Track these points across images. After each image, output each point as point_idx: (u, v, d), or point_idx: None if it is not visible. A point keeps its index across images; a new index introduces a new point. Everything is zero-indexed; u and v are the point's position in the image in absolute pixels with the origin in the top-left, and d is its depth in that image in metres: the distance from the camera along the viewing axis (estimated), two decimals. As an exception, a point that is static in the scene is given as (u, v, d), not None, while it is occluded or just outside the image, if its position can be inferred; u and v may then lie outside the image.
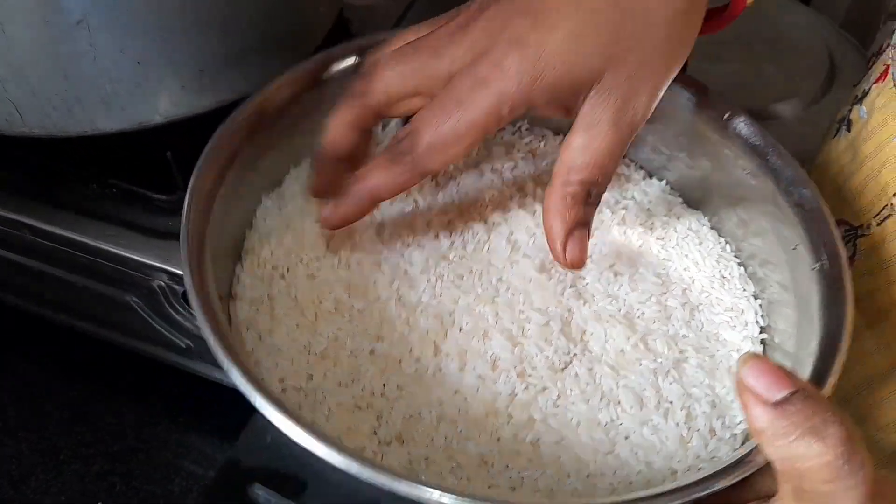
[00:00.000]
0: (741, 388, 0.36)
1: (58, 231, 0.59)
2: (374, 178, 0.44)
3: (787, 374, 0.35)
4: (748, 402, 0.36)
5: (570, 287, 0.48)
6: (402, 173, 0.43)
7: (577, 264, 0.43)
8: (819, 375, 0.42)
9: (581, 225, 0.43)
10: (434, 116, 0.42)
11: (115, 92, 0.55)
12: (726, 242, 0.53)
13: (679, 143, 0.53)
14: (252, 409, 0.35)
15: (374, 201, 0.45)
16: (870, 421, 0.55)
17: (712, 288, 0.50)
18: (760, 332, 0.49)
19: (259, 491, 0.35)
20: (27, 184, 0.60)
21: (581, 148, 0.43)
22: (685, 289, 0.50)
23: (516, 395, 0.44)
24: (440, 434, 0.42)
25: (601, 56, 0.41)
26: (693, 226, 0.53)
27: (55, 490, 0.61)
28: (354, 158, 0.46)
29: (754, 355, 0.37)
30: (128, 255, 0.57)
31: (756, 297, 0.50)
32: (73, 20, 0.51)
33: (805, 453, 0.34)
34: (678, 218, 0.53)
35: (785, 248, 0.49)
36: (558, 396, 0.44)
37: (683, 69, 0.46)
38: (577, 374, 0.45)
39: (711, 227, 0.53)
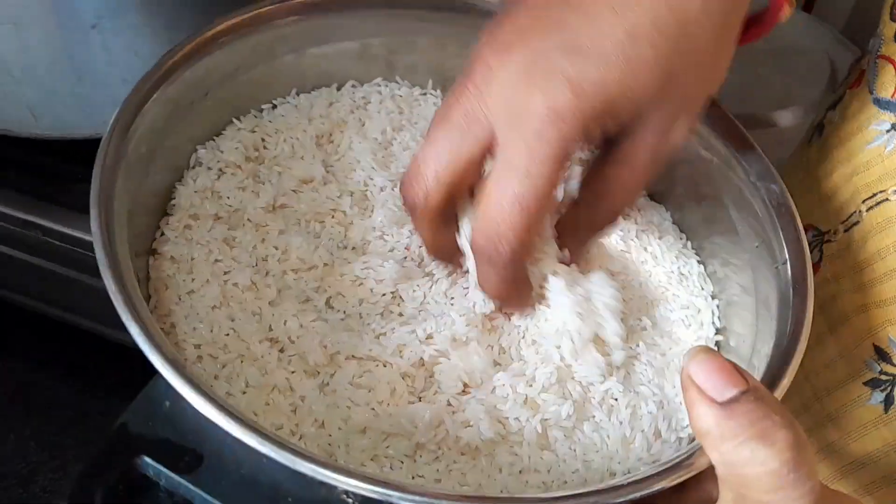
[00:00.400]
0: (687, 384, 0.29)
1: (68, 231, 0.53)
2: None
3: (738, 371, 0.29)
4: (694, 399, 0.29)
5: None
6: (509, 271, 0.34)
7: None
8: (774, 375, 0.35)
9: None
10: (504, 200, 0.32)
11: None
12: (688, 239, 0.44)
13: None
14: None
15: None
16: (830, 428, 0.46)
17: (669, 284, 0.42)
18: (716, 334, 0.41)
19: (147, 463, 0.28)
20: (38, 185, 0.55)
21: (623, 160, 0.35)
22: (642, 283, 0.41)
23: (449, 385, 0.36)
24: (364, 421, 0.34)
25: (656, 90, 0.33)
26: (655, 219, 0.44)
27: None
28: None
29: (704, 349, 0.30)
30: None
31: (714, 297, 0.42)
32: (88, 24, 0.48)
33: (750, 458, 0.27)
34: (639, 210, 0.44)
35: (747, 247, 0.41)
36: (493, 389, 0.36)
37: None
38: (522, 363, 0.37)
39: (674, 223, 0.45)
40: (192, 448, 0.29)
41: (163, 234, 0.40)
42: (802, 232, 0.38)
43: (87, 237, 0.52)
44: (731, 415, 0.27)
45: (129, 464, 0.28)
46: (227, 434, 0.28)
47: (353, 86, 0.47)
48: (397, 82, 0.48)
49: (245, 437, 0.27)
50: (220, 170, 0.42)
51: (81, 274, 0.55)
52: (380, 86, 0.48)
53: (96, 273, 0.53)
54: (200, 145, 0.43)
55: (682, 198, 0.45)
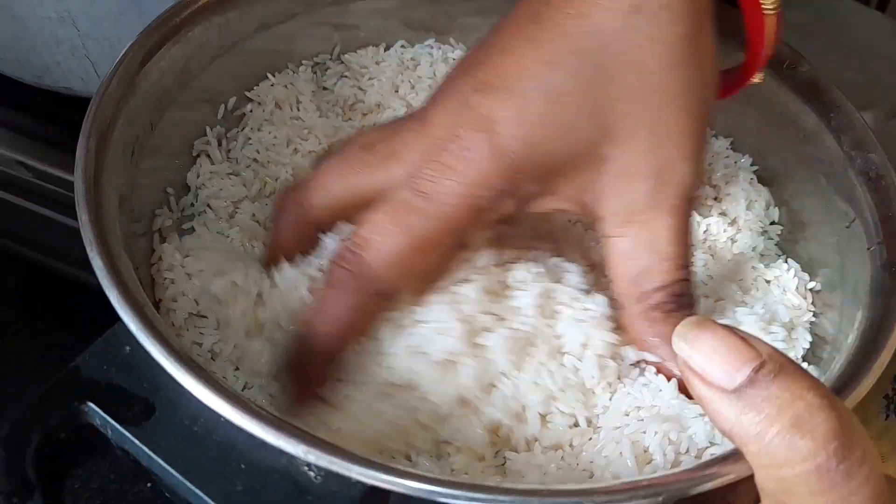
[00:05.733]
0: (687, 375, 0.24)
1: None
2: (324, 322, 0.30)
3: (743, 341, 0.23)
4: (701, 393, 0.23)
5: None
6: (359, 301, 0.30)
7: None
8: (855, 369, 0.29)
9: None
10: (386, 222, 0.29)
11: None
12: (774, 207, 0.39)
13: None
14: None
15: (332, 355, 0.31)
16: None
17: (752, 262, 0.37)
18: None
19: (94, 410, 0.25)
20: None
21: (633, 250, 0.31)
22: (724, 259, 0.37)
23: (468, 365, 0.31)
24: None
25: (591, 126, 0.29)
26: (740, 193, 0.39)
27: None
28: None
29: (694, 322, 0.24)
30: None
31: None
32: None
33: (788, 456, 0.22)
34: (726, 182, 0.39)
35: (838, 227, 0.34)
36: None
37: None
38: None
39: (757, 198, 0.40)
40: (143, 398, 0.26)
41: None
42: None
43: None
44: (749, 404, 0.22)
45: (74, 409, 0.25)
46: (180, 386, 0.25)
47: (403, 46, 0.45)
48: (451, 45, 0.45)
49: (196, 390, 0.24)
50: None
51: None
52: (431, 48, 0.45)
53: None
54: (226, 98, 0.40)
55: (772, 167, 0.40)
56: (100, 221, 0.28)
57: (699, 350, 0.23)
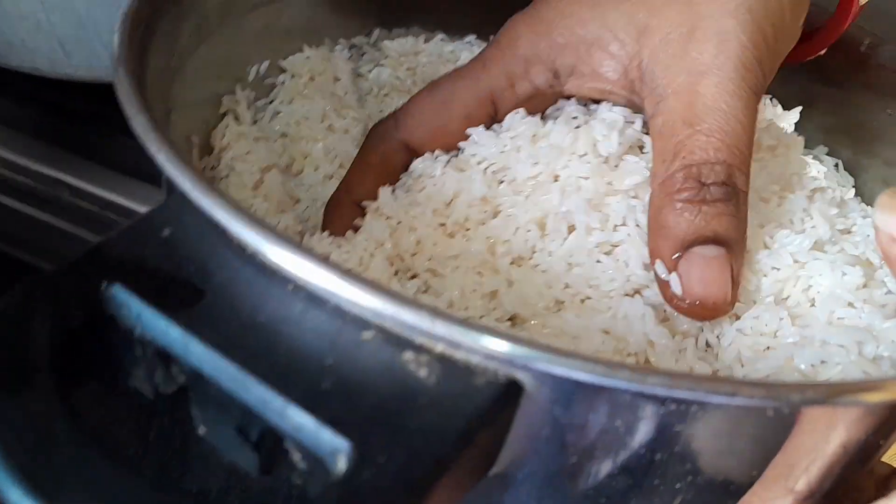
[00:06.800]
0: (887, 245, 0.22)
1: (99, 192, 0.45)
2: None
3: None
4: None
5: None
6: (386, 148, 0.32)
7: (704, 302, 0.25)
8: None
9: (704, 240, 0.25)
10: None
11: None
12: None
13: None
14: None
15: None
16: None
17: None
18: None
19: (120, 296, 0.19)
20: (66, 134, 0.47)
21: (668, 124, 0.27)
22: None
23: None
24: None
25: None
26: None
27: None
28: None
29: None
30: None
31: None
32: None
33: None
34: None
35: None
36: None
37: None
38: None
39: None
40: (188, 282, 0.19)
41: None
42: None
43: (122, 201, 0.45)
44: None
45: (94, 293, 0.19)
46: (242, 267, 0.19)
47: (443, 40, 0.42)
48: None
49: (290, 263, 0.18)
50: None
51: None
52: (472, 45, 0.42)
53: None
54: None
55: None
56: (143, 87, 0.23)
57: None
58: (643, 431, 0.19)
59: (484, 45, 0.43)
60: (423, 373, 0.18)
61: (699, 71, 0.26)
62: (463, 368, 0.18)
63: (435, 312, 0.18)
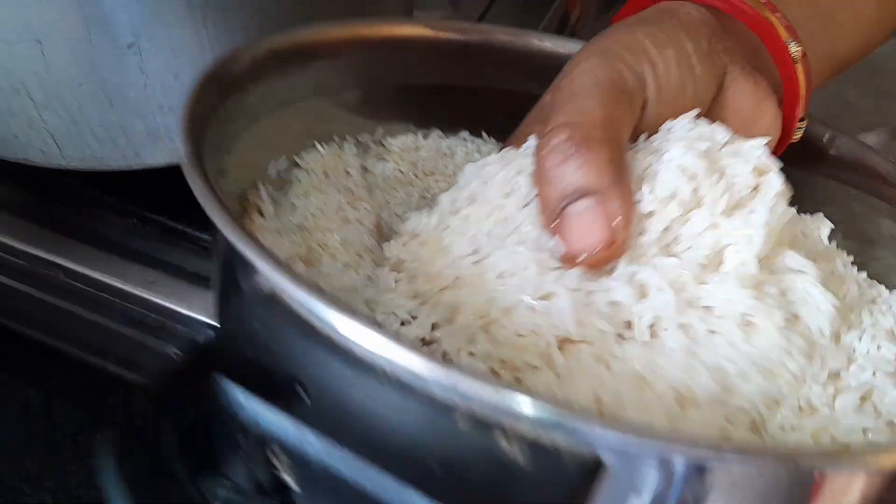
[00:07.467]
0: None
1: (95, 275, 0.47)
2: None
3: None
4: None
5: None
6: None
7: (591, 252, 0.27)
8: None
9: (571, 198, 0.27)
10: None
11: (165, 123, 0.45)
12: None
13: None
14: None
15: None
16: None
17: None
18: None
19: (228, 388, 0.20)
20: (61, 216, 0.48)
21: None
22: None
23: None
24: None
25: None
26: None
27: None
28: None
29: None
30: (169, 305, 0.45)
31: None
32: (125, 43, 0.41)
33: None
34: None
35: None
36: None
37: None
38: None
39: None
40: (286, 374, 0.21)
41: None
42: None
43: (115, 283, 0.46)
44: None
45: (206, 387, 0.20)
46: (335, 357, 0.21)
47: (439, 136, 0.45)
48: (483, 139, 0.46)
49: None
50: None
51: (105, 318, 0.47)
52: (466, 140, 0.45)
53: (124, 319, 0.46)
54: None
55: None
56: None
57: None
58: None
59: (476, 140, 0.47)
60: (518, 454, 0.20)
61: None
62: (552, 450, 0.20)
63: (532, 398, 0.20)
